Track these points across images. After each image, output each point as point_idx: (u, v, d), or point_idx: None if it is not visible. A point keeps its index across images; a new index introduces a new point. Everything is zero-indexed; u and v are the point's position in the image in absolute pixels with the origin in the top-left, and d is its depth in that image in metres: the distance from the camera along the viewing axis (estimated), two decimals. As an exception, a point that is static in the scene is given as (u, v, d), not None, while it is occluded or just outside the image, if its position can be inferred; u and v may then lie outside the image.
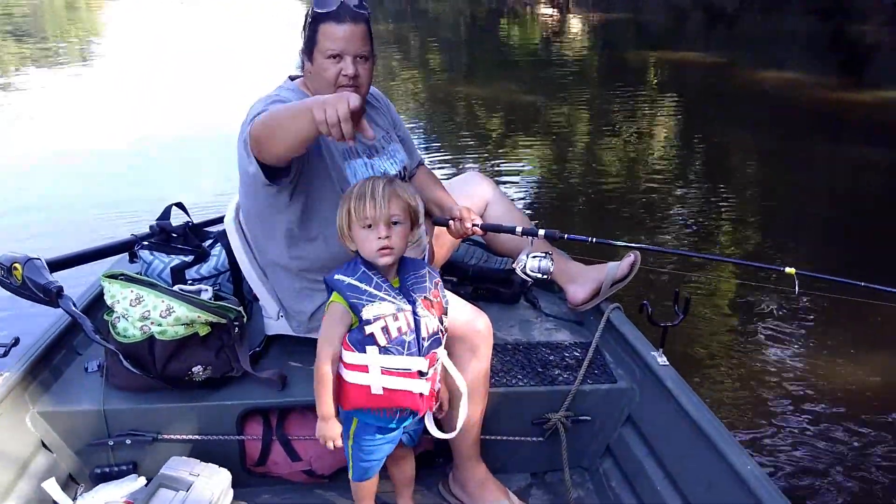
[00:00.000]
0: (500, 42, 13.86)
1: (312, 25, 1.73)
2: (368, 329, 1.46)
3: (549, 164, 6.16)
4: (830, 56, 11.48)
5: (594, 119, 7.72)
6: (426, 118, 7.78)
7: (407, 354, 1.49)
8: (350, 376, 1.50)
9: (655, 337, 2.01)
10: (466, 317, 1.83)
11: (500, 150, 6.45)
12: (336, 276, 1.49)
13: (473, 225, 1.98)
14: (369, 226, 1.49)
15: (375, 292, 1.47)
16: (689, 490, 1.74)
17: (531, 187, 5.52)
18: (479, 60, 12.14)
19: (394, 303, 1.48)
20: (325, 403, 1.52)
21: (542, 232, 2.03)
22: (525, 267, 2.01)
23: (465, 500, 1.92)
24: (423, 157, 2.23)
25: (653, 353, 1.98)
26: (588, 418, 2.02)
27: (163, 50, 11.66)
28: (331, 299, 1.50)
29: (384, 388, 1.50)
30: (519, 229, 2.04)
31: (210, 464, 1.81)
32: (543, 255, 2.01)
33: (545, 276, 2.02)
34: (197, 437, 1.85)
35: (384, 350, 1.48)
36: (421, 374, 1.52)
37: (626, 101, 8.31)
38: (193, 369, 1.85)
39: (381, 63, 10.07)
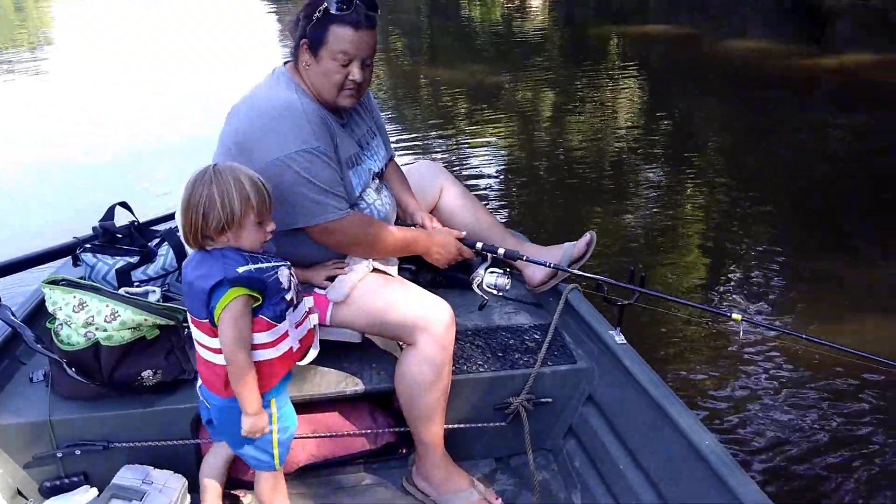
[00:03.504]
0: (461, 23, 13.74)
1: (323, 23, 1.67)
2: (289, 295, 1.53)
3: (515, 145, 6.14)
4: (793, 23, 11.57)
5: (559, 97, 7.70)
6: (391, 103, 7.69)
7: (303, 298, 1.61)
8: (273, 353, 1.52)
9: (616, 316, 2.01)
10: (429, 307, 1.81)
11: (467, 132, 6.40)
12: (240, 270, 1.44)
13: None
14: (260, 222, 1.48)
15: (268, 265, 1.51)
16: (649, 466, 1.74)
17: (497, 168, 5.50)
18: (441, 43, 12.03)
19: (277, 262, 1.54)
20: (255, 398, 1.50)
21: (501, 251, 2.02)
22: (482, 282, 2.01)
23: (430, 491, 1.90)
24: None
25: (611, 332, 1.98)
26: (549, 400, 2.01)
27: (118, 51, 11.31)
28: (229, 296, 1.43)
29: (299, 341, 1.59)
30: (479, 245, 2.04)
31: (165, 470, 1.77)
32: (501, 271, 2.00)
33: (501, 294, 2.02)
34: (150, 443, 1.80)
35: (295, 307, 1.57)
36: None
37: (591, 78, 8.29)
38: (143, 374, 1.80)
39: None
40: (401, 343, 1.88)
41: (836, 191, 4.88)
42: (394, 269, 1.95)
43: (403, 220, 2.07)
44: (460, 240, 2.03)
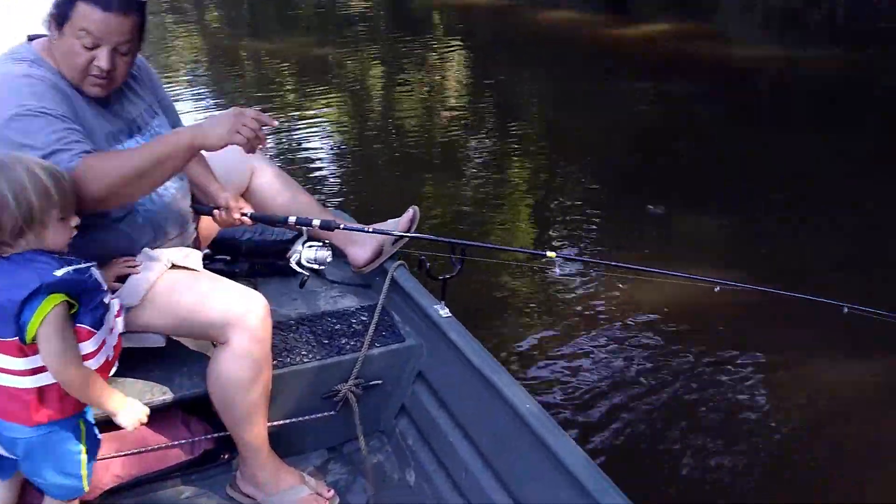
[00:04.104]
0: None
1: None
2: (107, 298, 1.41)
3: (341, 121, 6.00)
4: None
5: (385, 70, 7.62)
6: (207, 79, 7.20)
7: (111, 300, 1.45)
8: (94, 364, 1.38)
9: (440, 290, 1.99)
10: (239, 300, 1.68)
11: (290, 108, 6.15)
12: (58, 274, 1.28)
13: (242, 214, 1.82)
14: (64, 217, 1.32)
15: (82, 265, 1.35)
16: (478, 437, 1.76)
17: (322, 145, 5.33)
18: (262, 14, 11.45)
19: (86, 261, 1.38)
20: (112, 394, 1.41)
21: (316, 222, 1.88)
22: (301, 258, 1.87)
23: (256, 494, 1.79)
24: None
25: (435, 306, 1.96)
26: (380, 382, 1.96)
27: None
28: (47, 304, 1.27)
29: (113, 348, 1.45)
30: (292, 219, 1.87)
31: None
32: (320, 244, 1.88)
33: (322, 267, 1.90)
34: None
35: (109, 308, 1.43)
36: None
37: (416, 50, 8.28)
38: None
39: (154, 24, 9.07)
40: (214, 342, 1.74)
41: (645, 148, 5.28)
42: (197, 262, 1.78)
43: (206, 204, 1.90)
44: (255, 218, 1.86)
